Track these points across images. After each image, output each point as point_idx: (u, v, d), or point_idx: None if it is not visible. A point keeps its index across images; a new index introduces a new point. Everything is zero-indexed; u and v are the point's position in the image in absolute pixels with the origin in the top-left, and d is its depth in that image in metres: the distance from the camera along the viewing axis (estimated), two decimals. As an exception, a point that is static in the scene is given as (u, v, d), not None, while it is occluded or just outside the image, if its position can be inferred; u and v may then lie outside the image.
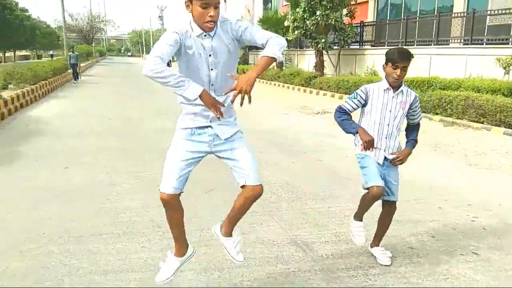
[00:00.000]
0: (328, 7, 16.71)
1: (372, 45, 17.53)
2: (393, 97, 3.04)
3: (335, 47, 18.31)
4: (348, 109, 3.13)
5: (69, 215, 4.25)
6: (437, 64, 13.85)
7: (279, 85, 20.65)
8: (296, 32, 18.51)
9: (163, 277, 2.69)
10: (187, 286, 2.98)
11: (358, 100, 3.09)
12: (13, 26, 41.50)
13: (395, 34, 16.70)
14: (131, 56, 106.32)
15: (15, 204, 4.57)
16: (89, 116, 11.05)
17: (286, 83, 19.93)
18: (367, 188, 3.04)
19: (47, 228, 3.91)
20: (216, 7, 2.21)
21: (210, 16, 2.18)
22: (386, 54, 3.01)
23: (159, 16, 70.34)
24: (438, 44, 14.34)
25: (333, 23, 16.85)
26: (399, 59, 2.92)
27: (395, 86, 3.03)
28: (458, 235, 3.84)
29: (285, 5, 20.55)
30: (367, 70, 16.66)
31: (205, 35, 2.28)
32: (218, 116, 2.26)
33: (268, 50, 2.27)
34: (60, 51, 47.22)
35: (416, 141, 3.26)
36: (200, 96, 2.20)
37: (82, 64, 27.75)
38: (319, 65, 18.59)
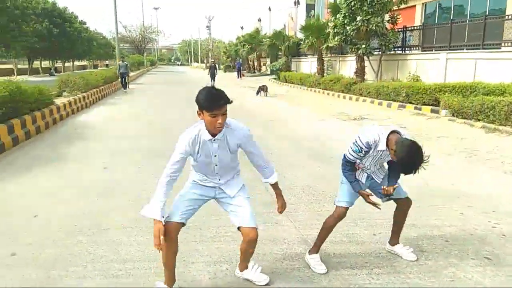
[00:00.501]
0: (369, 12, 16.49)
1: (422, 50, 17.02)
2: None
3: (376, 53, 18.03)
4: (353, 161, 3.11)
5: (101, 210, 4.62)
6: (482, 68, 13.29)
7: (319, 92, 20.63)
8: (336, 38, 18.44)
9: None
10: (194, 278, 3.19)
11: (363, 154, 3.03)
12: (72, 38, 44.60)
13: (441, 38, 16.18)
14: (180, 65, 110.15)
15: (54, 201, 5.01)
16: (132, 121, 11.68)
17: (326, 90, 19.87)
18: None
19: (79, 221, 4.29)
20: (224, 114, 2.57)
21: (219, 123, 2.58)
22: (398, 144, 2.76)
23: (207, 26, 72.36)
24: (484, 48, 13.76)
25: (374, 28, 16.59)
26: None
27: None
28: (473, 240, 3.77)
29: (329, 11, 20.46)
30: (409, 75, 16.25)
31: (214, 140, 2.69)
32: None
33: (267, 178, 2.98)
34: (114, 60, 50.05)
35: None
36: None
37: (132, 74, 29.09)
38: (360, 71, 18.38)
